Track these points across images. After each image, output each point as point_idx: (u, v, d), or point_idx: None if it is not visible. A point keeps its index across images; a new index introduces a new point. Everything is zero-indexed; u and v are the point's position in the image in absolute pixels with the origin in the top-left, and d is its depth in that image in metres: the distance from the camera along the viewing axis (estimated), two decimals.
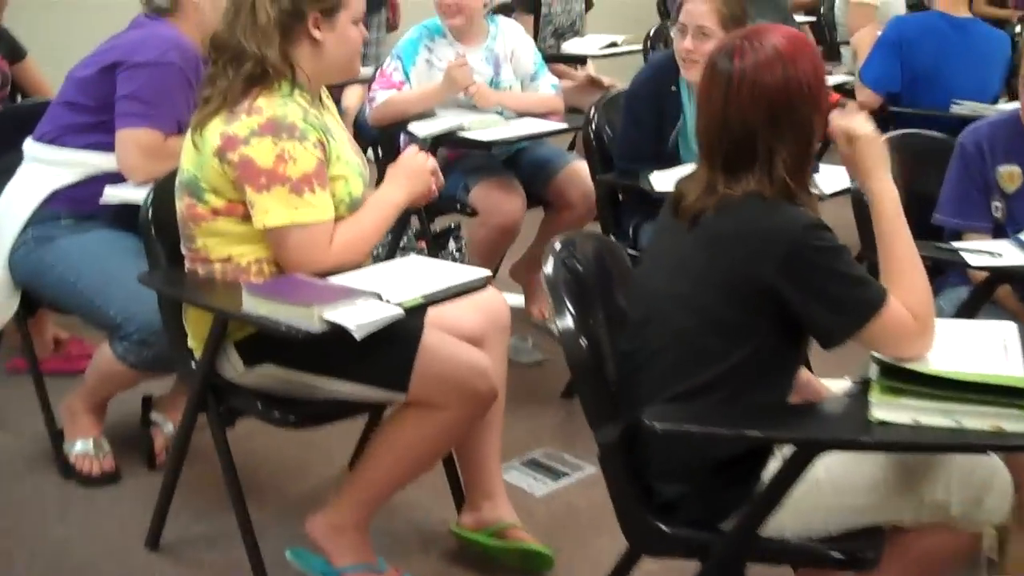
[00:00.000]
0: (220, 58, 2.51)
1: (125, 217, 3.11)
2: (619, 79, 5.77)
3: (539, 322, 4.29)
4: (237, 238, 2.53)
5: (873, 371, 2.02)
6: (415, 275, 2.53)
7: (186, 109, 3.14)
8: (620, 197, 3.65)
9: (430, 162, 2.72)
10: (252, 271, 2.53)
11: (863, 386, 2.05)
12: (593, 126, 3.64)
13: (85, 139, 3.21)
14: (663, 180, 3.22)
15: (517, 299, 4.38)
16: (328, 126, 2.58)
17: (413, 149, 2.74)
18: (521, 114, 4.04)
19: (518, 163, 4.13)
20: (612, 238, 3.59)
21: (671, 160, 3.44)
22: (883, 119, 4.33)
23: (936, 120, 4.24)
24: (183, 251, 2.64)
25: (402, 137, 4.09)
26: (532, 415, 3.60)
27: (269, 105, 2.47)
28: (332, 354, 2.42)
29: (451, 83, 3.90)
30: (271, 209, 2.45)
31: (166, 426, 3.29)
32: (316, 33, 2.54)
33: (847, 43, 5.83)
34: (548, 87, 4.18)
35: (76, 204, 3.19)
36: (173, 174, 2.67)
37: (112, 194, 3.13)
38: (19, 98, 4.59)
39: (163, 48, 3.15)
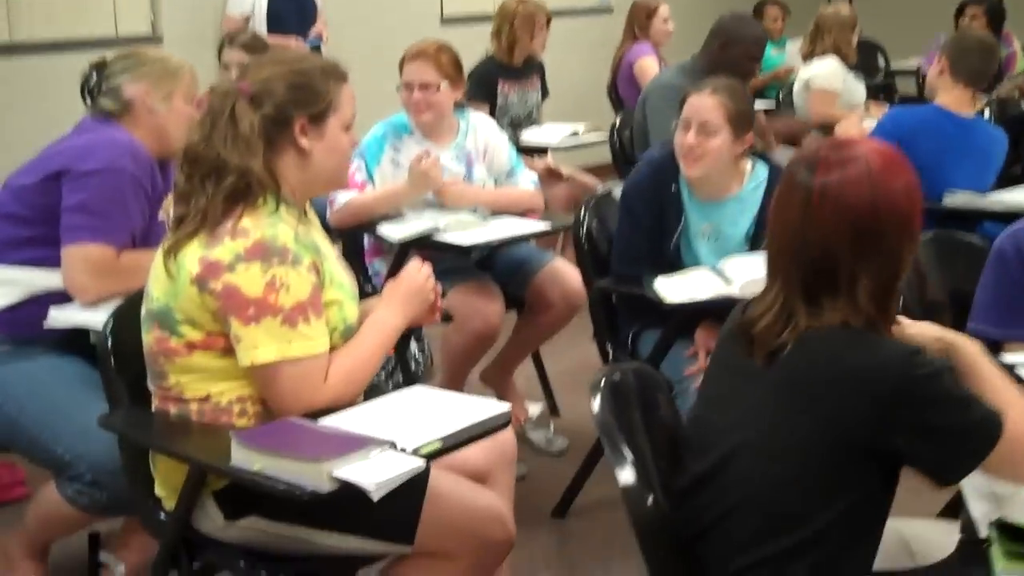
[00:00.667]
0: (195, 173, 2.19)
1: (71, 341, 2.77)
2: (580, 169, 5.57)
3: (518, 430, 3.97)
4: (217, 374, 2.20)
5: (985, 528, 1.75)
6: (425, 412, 2.21)
7: (141, 220, 2.83)
8: (614, 302, 3.36)
9: (432, 280, 2.43)
10: (235, 411, 2.20)
11: (970, 541, 1.78)
12: (584, 226, 3.37)
13: (25, 254, 2.84)
14: (671, 288, 2.95)
15: None
16: (317, 244, 2.27)
17: (416, 265, 2.44)
18: (495, 212, 3.77)
19: (493, 263, 3.83)
20: (608, 347, 3.31)
21: (673, 264, 3.17)
22: None
23: (928, 212, 4.06)
24: (150, 387, 2.29)
25: (366, 238, 3.79)
26: (522, 540, 3.17)
27: (256, 225, 2.15)
28: (327, 504, 2.09)
29: (419, 183, 3.61)
30: (260, 344, 2.13)
31: (117, 568, 2.91)
32: (303, 142, 2.24)
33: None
34: (528, 183, 3.91)
35: (16, 328, 2.81)
36: (134, 298, 2.34)
37: (58, 318, 2.75)
38: None
39: (114, 154, 2.81)
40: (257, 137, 2.18)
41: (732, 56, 4.60)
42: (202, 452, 2.14)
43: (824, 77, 5.76)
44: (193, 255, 2.15)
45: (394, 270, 3.69)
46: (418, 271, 2.43)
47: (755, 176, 3.18)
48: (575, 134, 5.27)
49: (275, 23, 5.88)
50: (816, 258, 1.78)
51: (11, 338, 2.82)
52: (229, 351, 2.17)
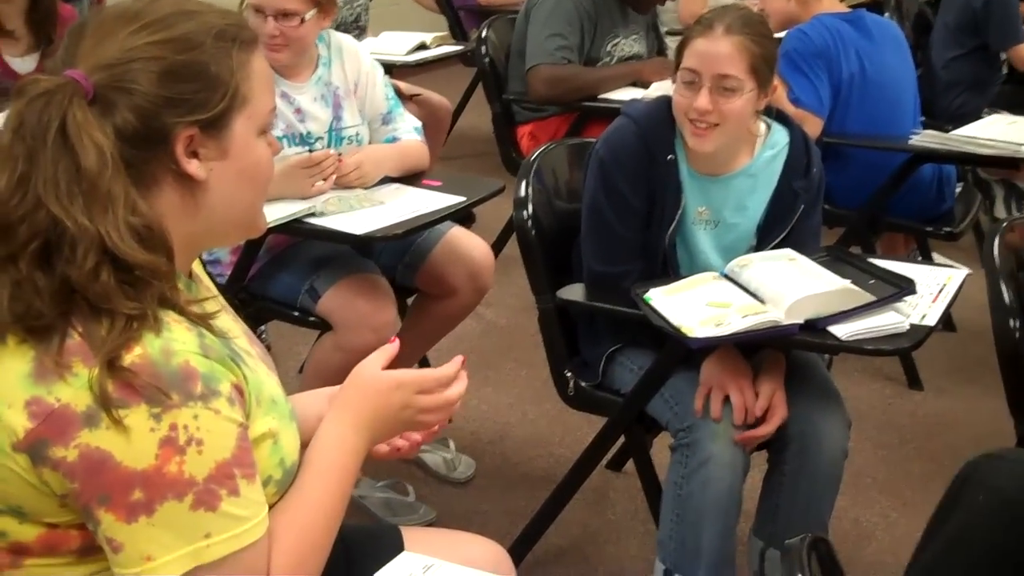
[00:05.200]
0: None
1: None
2: (424, 84, 4.58)
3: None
4: None
5: None
6: None
7: None
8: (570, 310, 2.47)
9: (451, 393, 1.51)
10: None
11: None
12: (527, 208, 2.45)
13: None
14: (682, 310, 2.07)
15: None
16: (230, 339, 1.31)
17: (391, 350, 1.50)
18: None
19: (372, 245, 2.85)
20: (568, 375, 2.44)
21: (664, 263, 2.31)
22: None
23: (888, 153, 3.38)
24: None
25: None
26: None
27: None
28: None
29: (291, 189, 2.60)
30: (158, 549, 1.18)
31: None
32: (193, 167, 1.28)
33: (672, 32, 4.86)
34: (410, 130, 2.94)
35: None
36: None
37: None
38: None
39: None
40: (114, 171, 1.20)
41: None
42: None
43: None
44: (14, 395, 1.16)
45: (243, 263, 2.70)
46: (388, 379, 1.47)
47: (771, 142, 2.33)
48: (423, 46, 4.25)
49: None
50: None
51: None
52: (90, 552, 1.23)
